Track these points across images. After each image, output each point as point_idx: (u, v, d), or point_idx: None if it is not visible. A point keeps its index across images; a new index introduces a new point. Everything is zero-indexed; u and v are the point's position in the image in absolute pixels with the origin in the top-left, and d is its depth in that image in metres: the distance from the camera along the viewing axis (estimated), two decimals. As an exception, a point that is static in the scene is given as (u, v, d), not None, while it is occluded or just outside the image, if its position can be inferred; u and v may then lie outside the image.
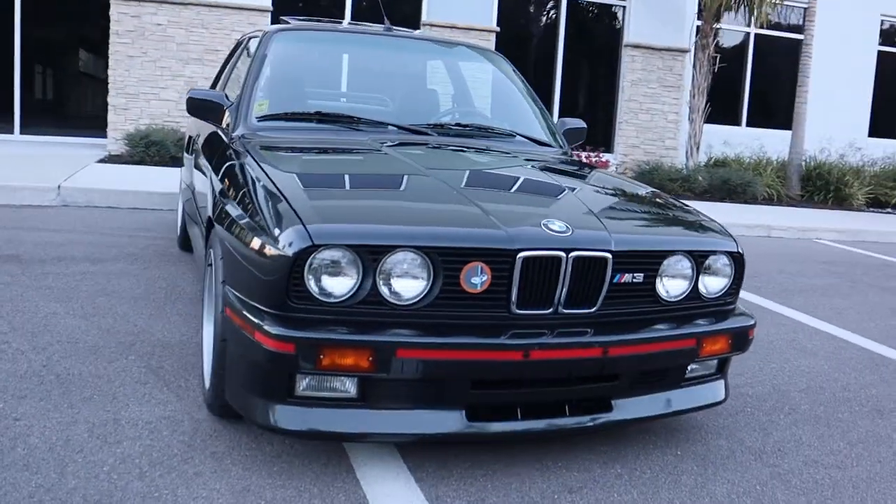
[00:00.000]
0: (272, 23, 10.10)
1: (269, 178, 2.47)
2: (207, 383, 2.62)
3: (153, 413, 2.62)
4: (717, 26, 10.95)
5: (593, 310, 2.30)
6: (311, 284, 2.08)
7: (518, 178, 2.84)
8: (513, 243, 2.17)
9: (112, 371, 2.96)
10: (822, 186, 11.31)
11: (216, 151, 3.25)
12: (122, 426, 2.50)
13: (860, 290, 5.65)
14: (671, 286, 2.45)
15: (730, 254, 2.55)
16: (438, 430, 2.21)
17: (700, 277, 2.49)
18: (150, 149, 8.49)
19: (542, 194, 2.66)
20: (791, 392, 3.36)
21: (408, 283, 2.13)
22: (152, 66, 9.68)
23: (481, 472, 2.38)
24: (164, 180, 7.19)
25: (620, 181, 3.12)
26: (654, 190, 3.08)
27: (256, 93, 3.26)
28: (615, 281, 2.31)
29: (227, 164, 2.86)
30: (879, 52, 13.19)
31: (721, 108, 12.05)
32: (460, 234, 2.17)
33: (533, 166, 3.01)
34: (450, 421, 2.21)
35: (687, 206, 2.90)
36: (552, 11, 11.83)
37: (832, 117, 12.40)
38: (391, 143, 3.07)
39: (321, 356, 2.04)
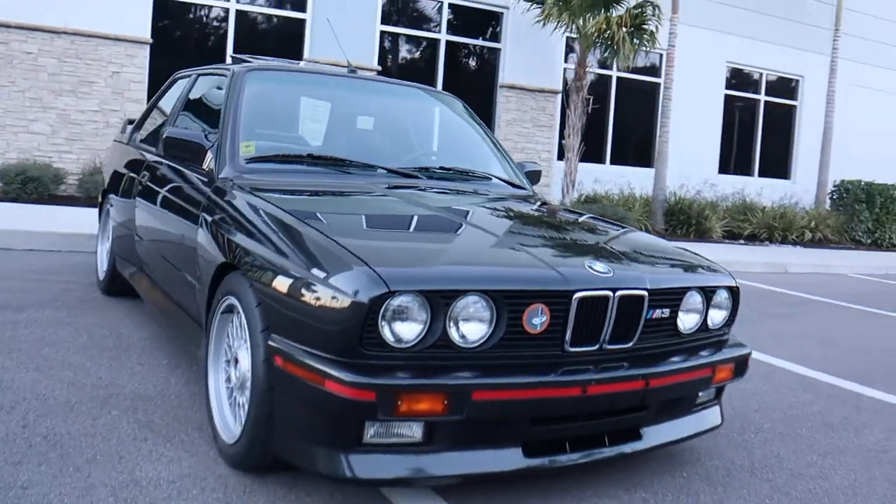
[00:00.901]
0: (151, 55, 9.74)
1: (304, 223, 2.44)
2: (229, 437, 2.52)
3: (170, 471, 2.48)
4: (590, 70, 11.63)
5: (630, 344, 2.43)
6: (385, 331, 2.08)
7: (534, 221, 2.94)
8: (569, 285, 2.26)
9: (102, 428, 2.77)
10: (685, 220, 12.18)
11: (197, 195, 3.13)
12: (144, 487, 2.36)
13: (758, 318, 6.14)
14: (687, 320, 2.62)
15: (729, 288, 2.77)
16: (500, 468, 2.25)
17: (708, 311, 2.69)
18: (28, 185, 7.93)
19: (566, 237, 2.78)
20: (748, 413, 3.63)
21: (474, 326, 2.17)
22: (21, 97, 9.07)
23: (524, 508, 2.44)
24: (55, 219, 6.76)
25: (608, 223, 3.30)
26: (639, 230, 3.28)
27: (239, 134, 3.19)
28: (649, 317, 2.46)
29: (233, 208, 2.78)
30: (726, 96, 14.44)
31: (587, 146, 12.76)
32: (524, 277, 2.24)
33: (531, 209, 3.13)
34: (509, 458, 2.26)
35: (678, 245, 3.12)
36: (430, 51, 12.11)
37: (689, 156, 13.41)
38: (388, 186, 3.10)
39: (399, 402, 2.04)
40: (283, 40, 10.91)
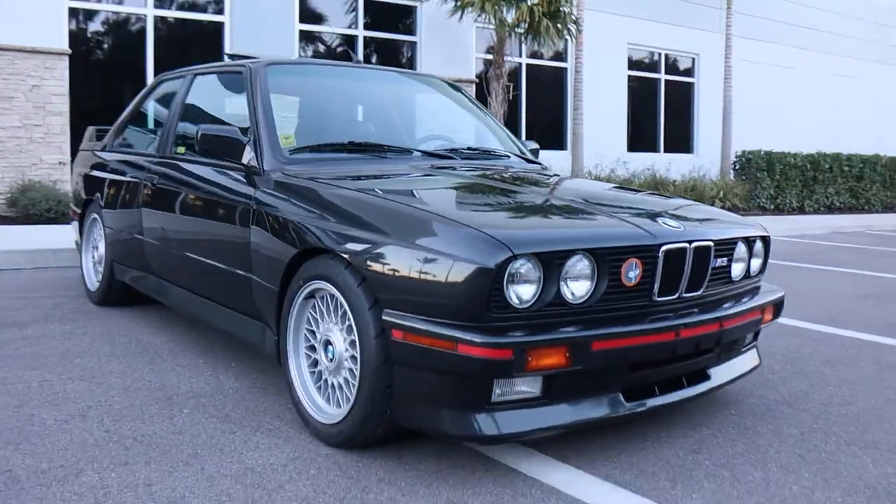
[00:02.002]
0: (70, 66, 9.36)
1: (392, 201, 2.55)
2: (327, 419, 2.60)
3: (277, 457, 2.53)
4: (508, 59, 11.94)
5: (700, 292, 2.66)
6: (510, 293, 2.22)
7: (584, 188, 3.13)
8: (656, 239, 2.47)
9: (184, 426, 2.78)
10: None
11: (240, 190, 3.16)
12: (262, 473, 2.40)
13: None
14: (737, 268, 2.88)
15: (762, 238, 3.04)
16: (605, 414, 2.43)
17: (751, 259, 2.96)
18: (-41, 207, 7.53)
19: (624, 200, 2.99)
20: (755, 357, 3.95)
21: (581, 283, 2.34)
22: (-66, 117, 8.59)
23: (615, 451, 2.63)
24: (4, 239, 6.47)
25: (638, 189, 3.52)
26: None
27: (275, 126, 3.23)
28: (713, 265, 2.69)
29: (303, 197, 2.82)
30: (629, 76, 15.09)
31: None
32: (620, 235, 2.43)
33: (570, 180, 3.33)
34: (613, 404, 2.45)
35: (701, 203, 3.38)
36: (344, 45, 12.13)
37: (600, 136, 13.95)
38: (431, 166, 3.22)
39: (530, 358, 2.18)
40: (203, 44, 10.72)
